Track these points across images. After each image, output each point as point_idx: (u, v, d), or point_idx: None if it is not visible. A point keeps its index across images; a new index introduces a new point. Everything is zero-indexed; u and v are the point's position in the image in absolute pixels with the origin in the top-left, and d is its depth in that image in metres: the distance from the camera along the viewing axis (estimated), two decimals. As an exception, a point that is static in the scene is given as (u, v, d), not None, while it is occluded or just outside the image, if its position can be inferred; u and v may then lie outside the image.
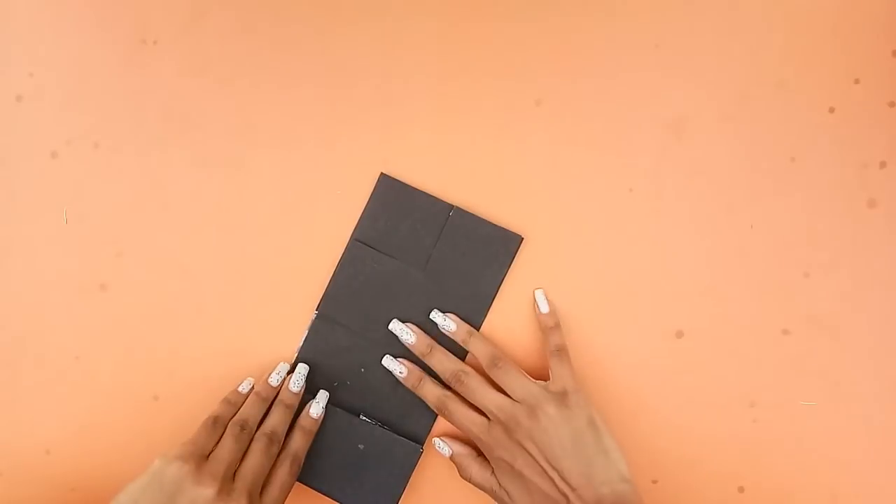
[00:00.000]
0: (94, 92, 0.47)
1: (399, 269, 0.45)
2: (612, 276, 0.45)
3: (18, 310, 0.48)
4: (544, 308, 0.44)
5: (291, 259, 0.47)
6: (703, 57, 0.45)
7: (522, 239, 0.45)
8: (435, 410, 0.44)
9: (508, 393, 0.42)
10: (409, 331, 0.44)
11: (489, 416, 0.42)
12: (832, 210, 0.45)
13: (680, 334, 0.45)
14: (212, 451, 0.41)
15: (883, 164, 0.44)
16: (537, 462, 0.40)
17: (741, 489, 0.45)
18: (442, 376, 0.44)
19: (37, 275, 0.48)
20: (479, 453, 0.44)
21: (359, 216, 0.46)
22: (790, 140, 0.45)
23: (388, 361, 0.45)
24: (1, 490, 0.48)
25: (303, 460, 0.43)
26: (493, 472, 0.42)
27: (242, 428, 0.42)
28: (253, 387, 0.45)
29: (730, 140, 0.45)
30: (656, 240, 0.45)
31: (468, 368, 0.43)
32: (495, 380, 0.43)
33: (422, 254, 0.45)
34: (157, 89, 0.47)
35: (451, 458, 0.45)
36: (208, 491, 0.38)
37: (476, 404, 0.43)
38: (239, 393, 0.45)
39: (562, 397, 0.41)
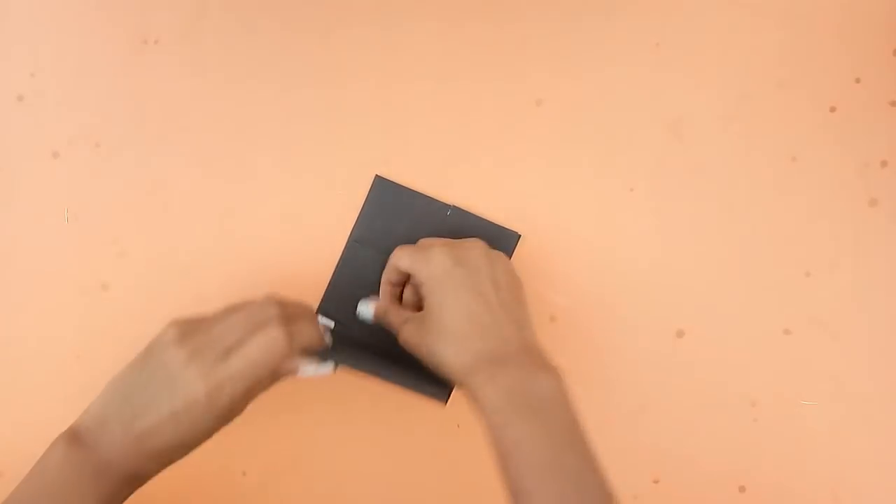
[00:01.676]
0: (96, 92, 0.47)
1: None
2: (613, 276, 0.45)
3: (19, 309, 0.48)
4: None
5: (291, 259, 0.47)
6: (703, 56, 0.45)
7: (520, 236, 0.45)
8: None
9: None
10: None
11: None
12: (833, 209, 0.45)
13: (681, 334, 0.45)
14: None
15: (884, 164, 0.44)
16: (478, 280, 0.38)
17: (742, 489, 0.45)
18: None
19: (38, 274, 0.48)
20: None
21: (356, 217, 0.46)
22: (791, 139, 0.45)
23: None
24: (2, 489, 0.48)
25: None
26: (407, 312, 0.41)
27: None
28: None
29: (731, 139, 0.45)
30: (657, 239, 0.45)
31: None
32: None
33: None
34: (158, 89, 0.47)
35: (375, 314, 0.43)
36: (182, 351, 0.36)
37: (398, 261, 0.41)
38: None
39: (486, 247, 0.41)
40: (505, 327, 0.38)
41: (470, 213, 0.45)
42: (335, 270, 0.46)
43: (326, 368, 0.40)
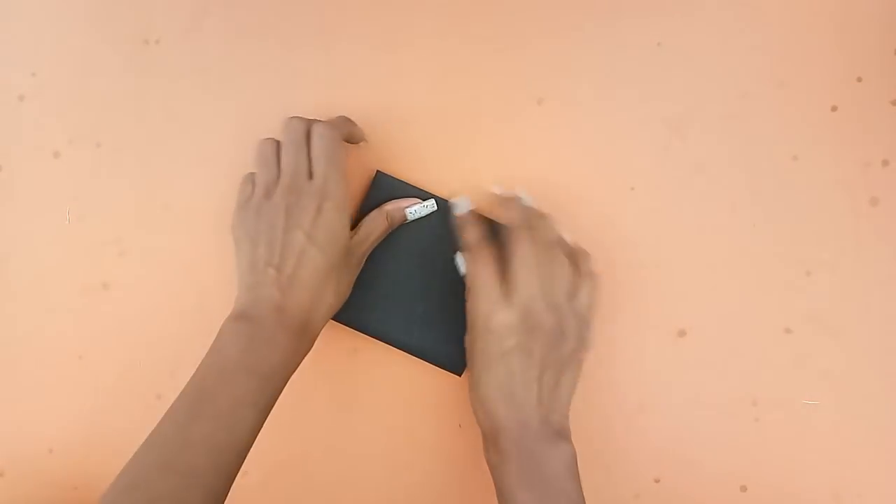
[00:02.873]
0: (97, 92, 0.47)
1: (397, 262, 0.45)
2: (614, 275, 0.45)
3: (21, 309, 0.48)
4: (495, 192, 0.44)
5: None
6: (704, 55, 0.45)
7: None
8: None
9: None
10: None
11: (546, 300, 0.40)
12: (834, 208, 0.45)
13: (682, 333, 0.45)
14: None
15: (885, 163, 0.44)
16: (539, 362, 0.39)
17: (743, 488, 0.45)
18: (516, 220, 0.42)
19: (39, 274, 0.48)
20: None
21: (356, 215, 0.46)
22: (792, 138, 0.45)
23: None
24: (4, 489, 0.48)
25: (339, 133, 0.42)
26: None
27: (260, 154, 0.42)
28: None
29: (732, 138, 0.45)
30: (658, 239, 0.45)
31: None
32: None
33: (419, 248, 0.45)
34: (159, 89, 0.47)
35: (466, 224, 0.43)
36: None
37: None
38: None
39: (585, 328, 0.41)
40: (534, 400, 0.38)
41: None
42: None
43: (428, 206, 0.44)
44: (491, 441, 0.39)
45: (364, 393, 0.47)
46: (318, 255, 0.39)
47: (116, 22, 0.47)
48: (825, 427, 0.45)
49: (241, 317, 0.38)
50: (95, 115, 0.48)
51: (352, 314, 0.45)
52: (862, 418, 0.44)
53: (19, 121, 0.48)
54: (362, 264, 0.43)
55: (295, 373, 0.47)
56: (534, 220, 0.41)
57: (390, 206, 0.44)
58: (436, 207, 0.44)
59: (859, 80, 0.44)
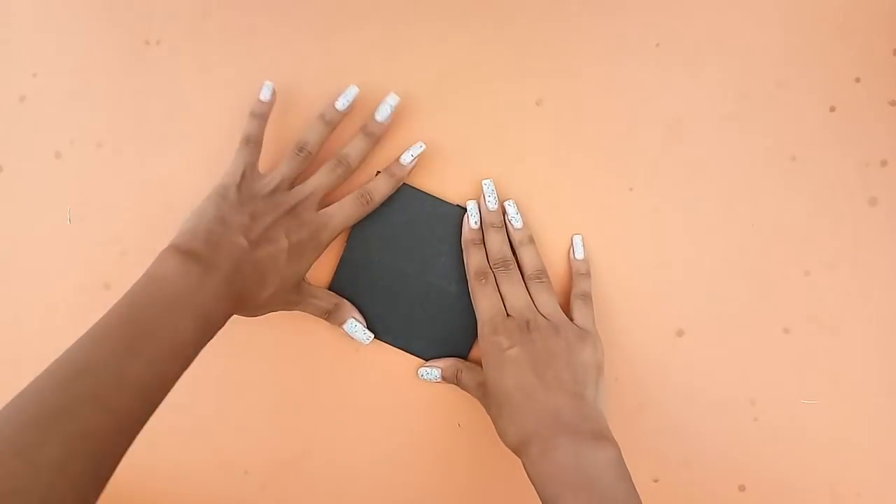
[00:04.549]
0: (98, 92, 0.48)
1: (397, 265, 0.45)
2: (613, 275, 0.45)
3: (22, 309, 0.48)
4: (579, 254, 0.45)
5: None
6: (703, 56, 0.45)
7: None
8: (472, 277, 0.43)
9: (538, 307, 0.43)
10: (493, 198, 0.44)
11: (511, 311, 0.42)
12: (833, 209, 0.45)
13: (680, 333, 0.45)
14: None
15: (884, 163, 0.44)
16: (539, 359, 0.40)
17: (742, 487, 0.45)
18: (490, 255, 0.44)
19: (40, 274, 0.48)
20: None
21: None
22: (791, 139, 0.45)
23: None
24: (5, 488, 0.48)
25: (376, 203, 0.44)
26: (481, 371, 0.43)
27: (300, 150, 0.43)
28: (273, 93, 0.44)
29: (730, 139, 0.45)
30: (657, 239, 0.45)
31: (515, 263, 0.44)
32: (531, 290, 0.43)
33: (419, 249, 0.45)
34: (160, 89, 0.47)
35: (442, 375, 0.45)
36: (239, 217, 0.40)
37: (506, 294, 0.43)
38: (337, 111, 0.44)
39: (583, 333, 0.42)
40: (559, 399, 0.38)
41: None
42: (336, 270, 0.46)
43: (367, 336, 0.45)
44: (525, 452, 0.38)
45: (364, 393, 0.47)
46: (286, 264, 0.40)
47: (117, 22, 0.47)
48: (823, 426, 0.45)
49: (192, 256, 0.37)
50: (96, 116, 0.48)
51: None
52: (860, 418, 0.45)
53: (20, 121, 0.48)
54: (300, 304, 0.43)
55: (295, 373, 0.48)
56: (507, 257, 0.44)
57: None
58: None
59: (858, 80, 0.45)
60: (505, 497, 0.47)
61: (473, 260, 0.44)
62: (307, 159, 0.44)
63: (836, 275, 0.45)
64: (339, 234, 0.43)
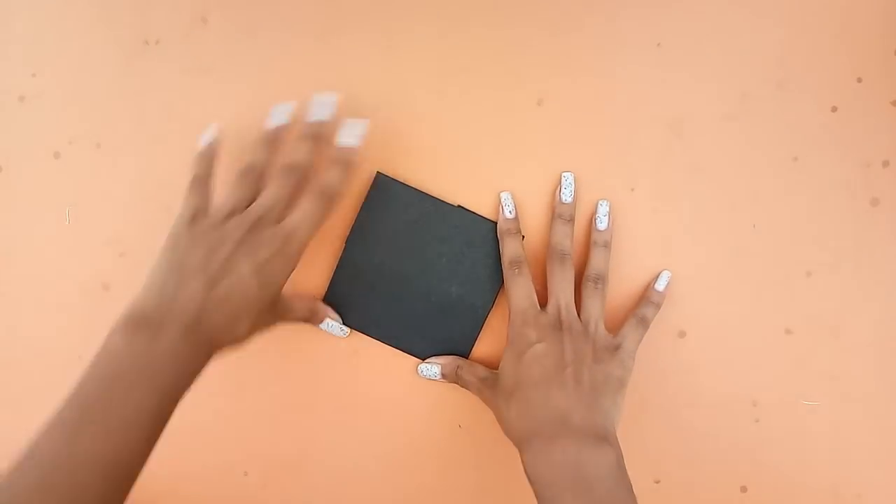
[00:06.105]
0: (97, 92, 0.47)
1: (398, 267, 0.45)
2: (614, 276, 0.45)
3: (21, 310, 0.48)
4: (660, 286, 0.44)
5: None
6: (704, 56, 0.45)
7: (523, 237, 0.45)
8: (506, 266, 0.43)
9: (581, 309, 0.42)
10: (569, 191, 0.44)
11: (551, 305, 0.42)
12: (835, 209, 0.45)
13: (682, 334, 0.45)
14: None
15: (886, 163, 0.44)
16: (563, 358, 0.39)
17: (744, 489, 0.45)
18: (552, 244, 0.43)
19: (39, 275, 0.48)
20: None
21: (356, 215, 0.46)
22: (792, 139, 0.45)
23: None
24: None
25: (336, 194, 0.41)
26: (484, 367, 0.43)
27: (245, 173, 0.41)
28: (215, 137, 0.43)
29: (732, 139, 0.45)
30: (658, 239, 0.45)
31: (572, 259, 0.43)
32: (584, 292, 0.43)
33: (419, 250, 0.45)
34: (159, 89, 0.47)
35: (442, 372, 0.44)
36: (197, 249, 0.38)
37: (554, 287, 0.42)
38: (277, 127, 0.42)
39: (618, 348, 0.41)
40: (571, 401, 0.38)
41: (473, 212, 0.45)
42: (335, 271, 0.46)
43: (343, 331, 0.44)
44: (527, 447, 0.38)
45: (364, 393, 0.47)
46: (257, 290, 0.38)
47: (116, 22, 0.47)
48: (825, 428, 0.45)
49: (139, 324, 0.36)
50: (95, 116, 0.48)
51: (359, 320, 0.46)
52: (862, 419, 0.44)
53: (19, 121, 0.48)
54: (278, 320, 0.42)
55: (295, 373, 0.48)
56: (566, 252, 0.43)
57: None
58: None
59: (859, 80, 0.44)
60: (505, 498, 0.47)
61: (509, 249, 0.43)
62: (257, 180, 0.41)
63: (838, 275, 0.44)
64: (309, 240, 0.40)
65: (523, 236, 0.45)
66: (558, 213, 0.44)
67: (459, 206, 0.45)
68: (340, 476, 0.47)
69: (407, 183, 0.45)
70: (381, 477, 0.47)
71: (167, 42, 0.47)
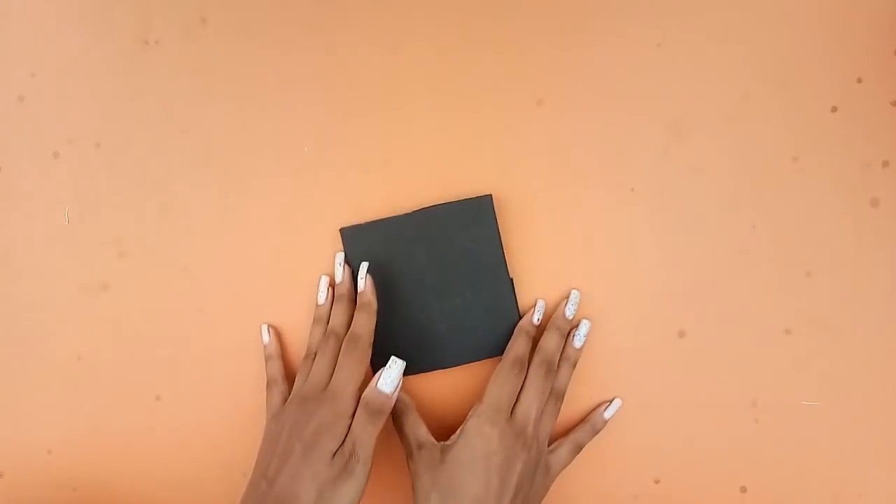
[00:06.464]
0: (96, 92, 0.47)
1: (408, 295, 0.45)
2: (614, 276, 0.45)
3: (20, 310, 0.48)
4: (608, 415, 0.45)
5: (293, 259, 0.47)
6: (704, 56, 0.45)
7: (491, 196, 0.44)
8: (508, 362, 0.43)
9: (531, 395, 0.42)
10: (573, 309, 0.45)
11: (519, 411, 0.42)
12: (835, 209, 0.44)
13: (682, 334, 0.45)
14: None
15: (886, 164, 0.44)
16: (510, 480, 0.40)
17: (743, 489, 0.45)
18: (541, 351, 0.43)
19: (38, 275, 0.48)
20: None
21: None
22: (792, 139, 0.45)
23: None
24: (3, 490, 0.48)
25: (364, 337, 0.42)
26: (426, 430, 0.43)
27: (306, 358, 0.44)
28: (271, 333, 0.46)
29: (732, 139, 0.45)
30: (658, 239, 0.45)
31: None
32: (532, 372, 0.43)
33: (417, 266, 0.45)
34: (158, 90, 0.47)
35: (394, 392, 0.43)
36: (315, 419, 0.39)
37: (528, 395, 0.42)
38: (320, 307, 0.45)
39: (552, 473, 0.43)
40: None
41: (433, 205, 0.45)
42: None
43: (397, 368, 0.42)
44: None
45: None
46: (312, 466, 0.38)
47: (116, 22, 0.47)
48: (825, 428, 0.45)
49: None
50: (95, 116, 0.47)
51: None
52: (862, 419, 0.44)
53: (19, 121, 0.48)
54: (366, 470, 0.39)
55: (295, 372, 0.47)
56: (554, 365, 0.43)
57: (365, 396, 0.41)
58: (399, 361, 0.41)
59: (859, 80, 0.44)
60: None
61: (519, 347, 0.43)
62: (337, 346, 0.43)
63: (838, 276, 0.44)
64: (356, 389, 0.41)
65: (490, 196, 0.44)
66: (556, 326, 0.44)
67: (417, 210, 0.45)
68: None
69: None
70: (381, 477, 0.47)
71: (167, 42, 0.47)
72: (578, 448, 0.44)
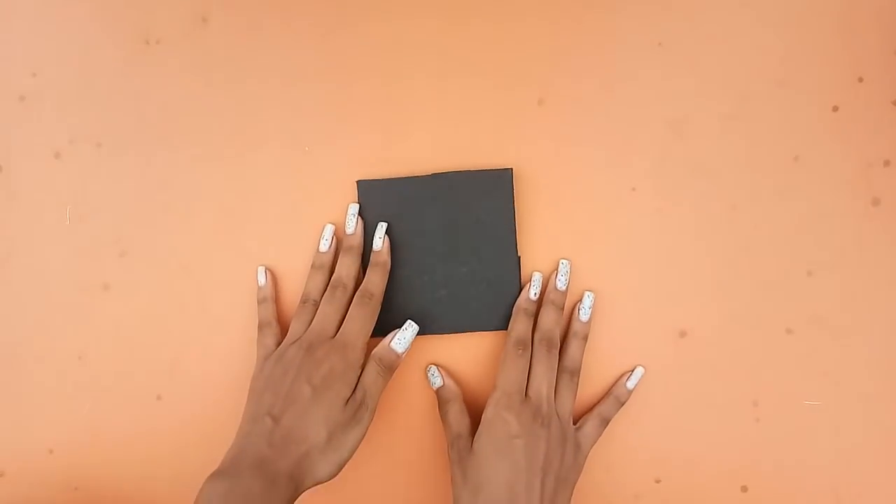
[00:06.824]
0: (97, 92, 0.47)
1: (411, 251, 0.45)
2: (615, 276, 0.45)
3: (21, 309, 0.48)
4: (631, 384, 0.45)
5: (294, 258, 0.47)
6: (706, 55, 0.45)
7: (511, 170, 0.45)
8: (511, 344, 0.43)
9: (556, 400, 0.43)
10: (564, 279, 0.44)
11: (532, 392, 0.42)
12: (836, 209, 0.44)
13: (683, 334, 0.45)
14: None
15: (887, 163, 0.44)
16: (537, 462, 0.40)
17: (744, 488, 0.45)
18: (540, 330, 0.43)
19: (40, 274, 0.48)
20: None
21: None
22: (793, 139, 0.45)
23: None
24: (4, 489, 0.48)
25: (376, 294, 0.43)
26: (469, 422, 0.43)
27: (303, 303, 0.44)
28: (267, 275, 0.46)
29: (733, 139, 0.45)
30: (659, 239, 0.45)
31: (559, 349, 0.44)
32: (559, 383, 0.43)
33: (427, 229, 0.45)
34: (159, 89, 0.47)
35: (438, 389, 0.45)
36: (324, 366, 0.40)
37: (537, 375, 0.42)
38: (321, 254, 0.45)
39: (581, 451, 0.43)
40: (535, 500, 0.39)
41: (453, 171, 0.45)
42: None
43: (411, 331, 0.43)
44: None
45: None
46: (321, 408, 0.39)
47: (117, 22, 0.47)
48: (826, 427, 0.45)
49: (218, 474, 0.38)
50: (96, 115, 0.47)
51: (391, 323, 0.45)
52: (863, 419, 0.44)
53: (19, 121, 0.48)
54: (371, 419, 0.41)
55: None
56: (554, 340, 0.43)
57: (378, 352, 0.42)
58: (414, 325, 0.43)
59: (860, 80, 0.44)
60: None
61: (519, 327, 0.43)
62: (315, 307, 0.43)
63: (839, 275, 0.44)
64: (365, 343, 0.42)
65: (511, 170, 0.45)
66: (551, 300, 0.44)
67: (436, 173, 0.45)
68: (340, 476, 0.47)
69: (388, 178, 0.45)
70: (381, 476, 0.47)
71: (167, 42, 0.47)
72: (605, 422, 0.44)
